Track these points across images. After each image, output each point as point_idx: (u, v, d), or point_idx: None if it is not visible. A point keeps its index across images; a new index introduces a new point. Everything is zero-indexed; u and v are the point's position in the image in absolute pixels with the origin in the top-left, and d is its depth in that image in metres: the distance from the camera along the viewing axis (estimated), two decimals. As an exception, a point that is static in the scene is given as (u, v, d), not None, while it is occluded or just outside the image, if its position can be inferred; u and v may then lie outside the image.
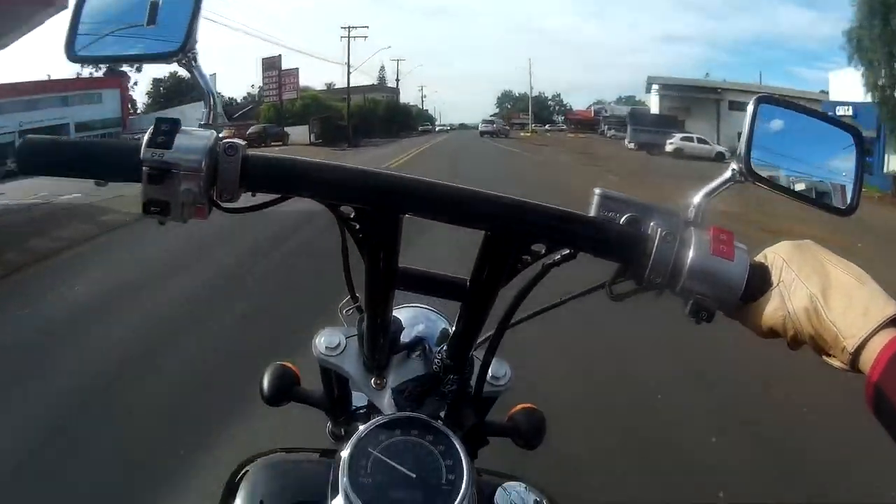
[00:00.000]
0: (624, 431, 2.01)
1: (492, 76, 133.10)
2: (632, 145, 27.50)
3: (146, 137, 0.40)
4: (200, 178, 0.40)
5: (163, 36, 0.45)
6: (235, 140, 0.41)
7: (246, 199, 0.42)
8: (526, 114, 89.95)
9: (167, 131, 0.40)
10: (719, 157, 23.25)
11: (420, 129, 56.33)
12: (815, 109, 0.49)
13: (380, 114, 41.98)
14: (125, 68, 24.45)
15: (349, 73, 30.24)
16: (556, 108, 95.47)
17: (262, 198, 0.43)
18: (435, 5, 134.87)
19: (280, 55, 33.00)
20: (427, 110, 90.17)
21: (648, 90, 41.55)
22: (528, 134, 45.63)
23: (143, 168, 0.39)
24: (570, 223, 0.43)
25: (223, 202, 0.42)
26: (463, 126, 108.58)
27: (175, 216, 0.41)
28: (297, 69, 32.85)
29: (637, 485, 1.71)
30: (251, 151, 0.41)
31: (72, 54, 0.46)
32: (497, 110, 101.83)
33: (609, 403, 2.23)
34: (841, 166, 0.48)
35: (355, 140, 28.45)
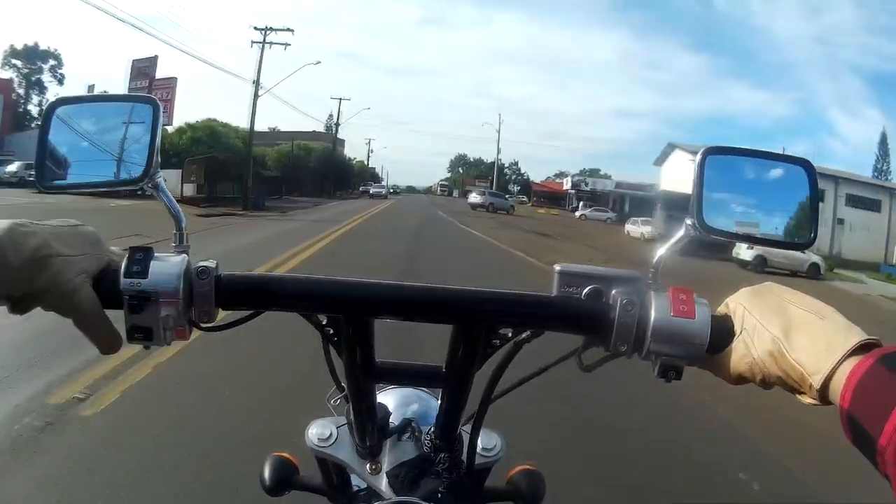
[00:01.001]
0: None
1: (446, 139, 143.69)
2: (647, 233, 22.56)
3: (123, 267, 0.44)
4: (179, 303, 0.44)
5: (127, 162, 0.51)
6: (207, 263, 0.46)
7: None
8: (482, 180, 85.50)
9: (141, 260, 0.45)
10: (814, 272, 18.12)
11: (361, 188, 54.25)
12: (762, 151, 0.53)
13: (311, 165, 37.62)
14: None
15: (256, 93, 20.82)
16: (514, 177, 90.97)
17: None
18: (400, 65, 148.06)
19: (156, 56, 24.23)
20: (373, 168, 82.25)
21: (662, 161, 36.62)
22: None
23: (125, 297, 0.44)
24: (532, 307, 0.48)
25: (202, 323, 0.47)
26: (411, 189, 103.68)
27: (158, 341, 0.45)
28: (174, 79, 24.01)
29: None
30: (223, 272, 0.47)
31: (44, 184, 0.51)
32: (449, 174, 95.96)
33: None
34: (795, 198, 0.53)
35: (262, 198, 20.87)
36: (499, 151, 55.24)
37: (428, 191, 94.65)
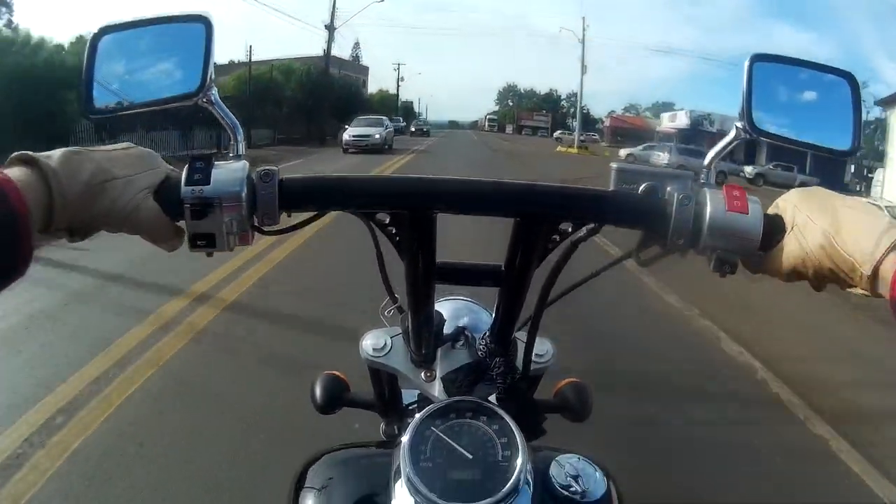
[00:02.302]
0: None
1: (489, 71, 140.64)
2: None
3: (184, 176, 0.49)
4: (242, 207, 0.49)
5: (180, 78, 0.56)
6: (270, 167, 0.51)
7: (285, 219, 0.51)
8: (539, 113, 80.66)
9: (202, 168, 0.50)
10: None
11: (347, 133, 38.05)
12: (808, 61, 0.58)
13: (289, 94, 26.77)
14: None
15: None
16: (572, 110, 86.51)
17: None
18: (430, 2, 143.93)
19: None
20: (408, 101, 78.76)
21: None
22: (574, 150, 33.08)
23: (186, 206, 0.49)
24: (592, 201, 0.54)
25: (264, 227, 0.52)
26: (454, 125, 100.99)
27: (221, 246, 0.50)
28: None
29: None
30: (287, 175, 0.52)
31: (91, 108, 0.56)
32: (497, 107, 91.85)
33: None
34: (839, 109, 0.58)
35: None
36: (583, 70, 35.58)
37: (474, 126, 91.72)
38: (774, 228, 0.51)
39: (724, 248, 0.50)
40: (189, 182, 0.49)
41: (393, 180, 0.54)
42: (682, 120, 39.03)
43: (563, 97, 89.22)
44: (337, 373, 0.73)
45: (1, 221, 0.41)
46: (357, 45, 58.05)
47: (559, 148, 34.63)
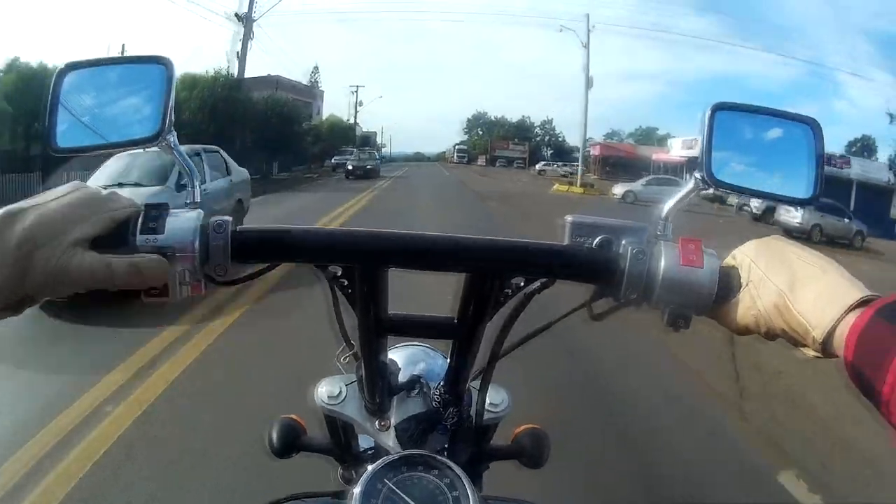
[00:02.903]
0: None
1: (455, 102, 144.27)
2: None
3: (139, 224, 0.51)
4: (194, 257, 0.52)
5: (139, 122, 0.59)
6: (223, 218, 0.53)
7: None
8: (516, 143, 79.21)
9: (156, 216, 0.52)
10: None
11: (334, 160, 35.90)
12: (770, 108, 0.61)
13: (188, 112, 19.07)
14: None
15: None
16: (548, 138, 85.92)
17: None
18: (403, 32, 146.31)
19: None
20: (370, 132, 76.62)
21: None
22: (578, 189, 28.15)
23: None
24: (544, 256, 0.57)
25: (217, 277, 0.54)
26: (420, 157, 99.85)
27: (173, 297, 0.52)
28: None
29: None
30: (240, 226, 0.54)
31: (54, 147, 0.58)
32: (466, 136, 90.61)
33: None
34: (801, 156, 0.61)
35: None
36: (589, 84, 30.85)
37: (441, 158, 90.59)
38: (730, 283, 0.53)
39: (677, 302, 0.53)
40: (144, 230, 0.51)
41: (343, 235, 0.57)
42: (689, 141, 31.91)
43: (535, 125, 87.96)
44: (294, 417, 0.76)
45: None
46: (316, 69, 55.55)
47: (556, 187, 29.04)
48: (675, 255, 0.53)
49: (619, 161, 45.43)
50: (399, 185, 24.22)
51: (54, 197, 0.50)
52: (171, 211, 0.53)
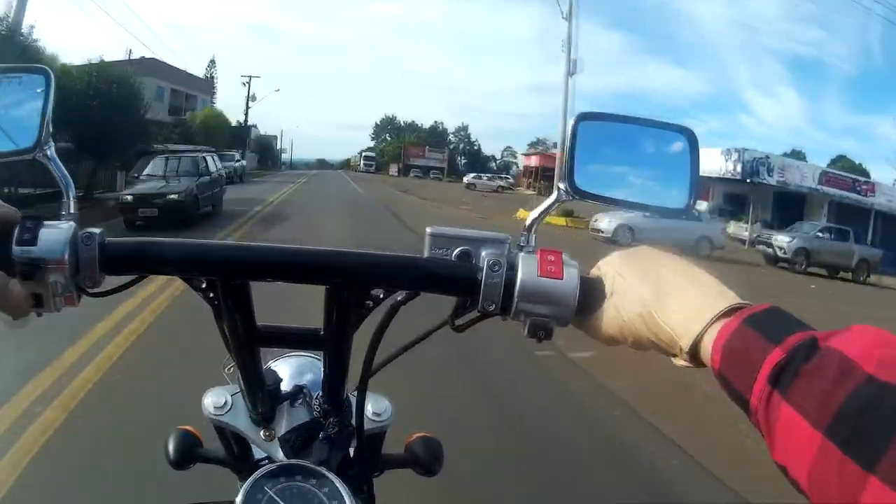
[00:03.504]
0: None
1: (361, 111, 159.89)
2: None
3: (14, 236, 0.54)
4: (65, 269, 0.54)
5: (15, 133, 0.62)
6: (92, 230, 0.57)
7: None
8: (434, 150, 74.85)
9: (31, 228, 0.55)
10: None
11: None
12: (639, 117, 0.63)
13: None
14: None
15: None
16: (463, 146, 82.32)
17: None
18: (307, 40, 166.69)
19: None
20: (270, 136, 69.93)
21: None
22: (562, 220, 19.42)
23: (17, 265, 0.54)
24: (400, 268, 0.59)
25: (89, 288, 0.57)
26: (323, 164, 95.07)
27: (48, 307, 0.56)
28: None
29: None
30: (109, 238, 0.58)
31: None
32: (373, 142, 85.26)
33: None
34: (676, 165, 0.63)
35: None
36: (571, 69, 23.34)
37: (346, 166, 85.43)
38: (593, 294, 0.55)
39: (536, 313, 0.55)
40: (19, 241, 0.54)
41: (205, 248, 0.60)
42: (721, 163, 25.30)
43: (450, 131, 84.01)
44: (189, 428, 0.78)
45: None
46: (213, 62, 48.97)
47: (519, 213, 21.04)
48: (533, 267, 0.55)
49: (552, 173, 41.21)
50: (285, 221, 14.28)
51: None
52: (46, 223, 0.56)
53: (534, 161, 51.79)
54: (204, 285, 0.61)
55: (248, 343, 0.65)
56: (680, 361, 0.50)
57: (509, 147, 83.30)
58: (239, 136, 45.30)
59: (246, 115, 51.53)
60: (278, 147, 75.65)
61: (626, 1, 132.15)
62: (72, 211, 0.60)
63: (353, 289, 0.61)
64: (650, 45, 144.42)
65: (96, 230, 0.57)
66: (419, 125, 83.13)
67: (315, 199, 21.92)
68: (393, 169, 68.43)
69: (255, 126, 57.95)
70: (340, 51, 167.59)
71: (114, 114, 15.47)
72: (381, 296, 0.61)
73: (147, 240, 0.59)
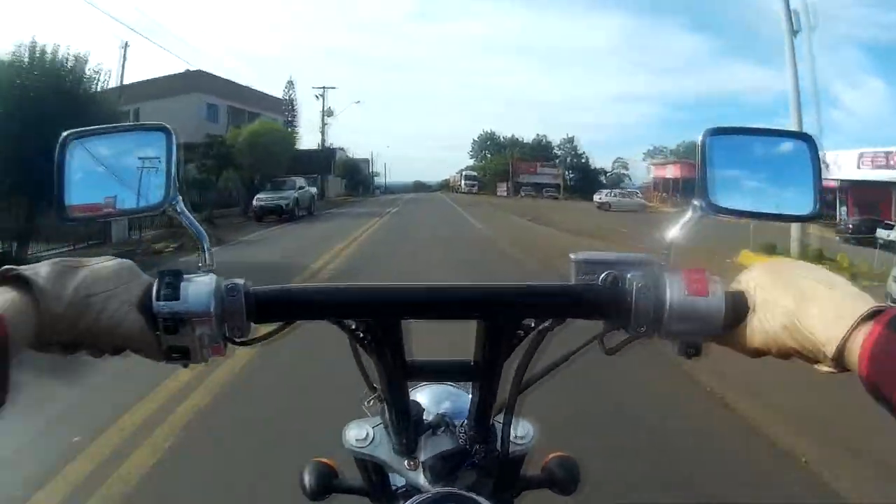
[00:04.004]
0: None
1: (455, 130, 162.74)
2: None
3: (154, 291, 0.57)
4: (212, 321, 0.57)
5: (146, 188, 0.66)
6: (236, 281, 0.60)
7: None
8: (546, 165, 64.98)
9: (171, 283, 0.57)
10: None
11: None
12: (763, 128, 0.67)
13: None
14: None
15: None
16: (570, 159, 71.25)
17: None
18: (389, 61, 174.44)
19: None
20: (360, 159, 63.16)
21: None
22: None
23: (159, 320, 0.57)
24: (551, 297, 0.64)
25: (236, 338, 0.61)
26: (421, 186, 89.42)
27: (195, 359, 0.58)
28: None
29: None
30: (254, 287, 0.62)
31: (64, 217, 0.66)
32: (472, 160, 76.11)
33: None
34: (799, 172, 0.65)
35: None
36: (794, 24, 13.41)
37: (444, 186, 77.81)
38: (737, 308, 0.57)
39: (686, 332, 0.58)
40: (160, 297, 0.57)
41: (357, 291, 0.63)
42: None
43: (554, 144, 73.73)
44: (325, 459, 0.83)
45: None
46: (291, 84, 42.47)
47: (742, 256, 12.59)
48: (680, 286, 0.58)
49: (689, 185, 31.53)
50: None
51: (99, 261, 0.59)
52: (185, 276, 0.59)
53: (670, 172, 45.31)
54: (353, 326, 0.65)
55: (400, 378, 0.70)
56: (824, 368, 0.52)
57: (620, 158, 72.66)
58: (317, 160, 40.77)
59: (322, 131, 46.30)
60: (370, 171, 69.51)
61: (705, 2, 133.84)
62: (208, 262, 0.63)
63: (507, 320, 0.65)
64: (730, 45, 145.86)
65: (240, 280, 0.60)
66: (520, 139, 74.14)
67: (406, 250, 13.16)
68: (501, 188, 63.93)
69: (341, 149, 51.59)
70: (426, 71, 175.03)
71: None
72: (533, 325, 0.65)
73: (296, 287, 0.63)
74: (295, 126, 42.32)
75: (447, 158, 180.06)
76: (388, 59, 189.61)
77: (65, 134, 0.66)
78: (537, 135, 73.46)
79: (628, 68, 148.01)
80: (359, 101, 53.45)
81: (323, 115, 45.34)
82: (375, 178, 78.31)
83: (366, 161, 70.29)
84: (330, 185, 43.78)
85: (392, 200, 44.06)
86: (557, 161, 70.33)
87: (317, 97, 45.66)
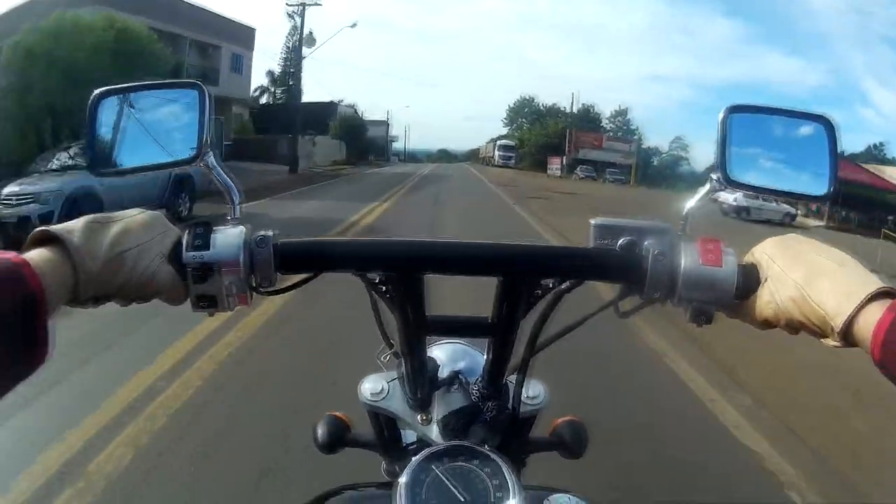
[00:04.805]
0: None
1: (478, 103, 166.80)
2: None
3: (185, 241, 0.67)
4: (240, 270, 0.66)
5: (177, 143, 0.75)
6: (265, 233, 0.69)
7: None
8: (620, 140, 60.67)
9: (202, 234, 0.66)
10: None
11: None
12: (783, 108, 0.75)
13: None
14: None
15: None
16: (620, 133, 68.69)
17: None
18: (424, 31, 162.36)
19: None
20: (362, 112, 60.39)
21: None
22: None
23: (188, 269, 0.66)
24: (572, 259, 0.73)
25: (262, 288, 0.70)
26: (445, 155, 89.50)
27: (222, 307, 0.68)
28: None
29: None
30: (282, 239, 0.71)
31: (96, 168, 0.77)
32: (506, 129, 73.94)
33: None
34: (816, 154, 0.74)
35: None
36: None
37: (475, 156, 76.15)
38: (749, 280, 0.66)
39: (699, 299, 0.66)
40: (190, 247, 0.66)
41: (383, 244, 0.73)
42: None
43: (603, 116, 69.93)
44: (339, 414, 0.93)
45: (19, 305, 0.53)
46: (310, 34, 38.36)
47: None
48: (695, 254, 0.66)
49: (860, 192, 26.99)
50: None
51: (129, 215, 0.67)
52: (215, 228, 0.68)
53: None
54: (377, 280, 0.75)
55: (418, 332, 0.79)
56: (830, 342, 0.59)
57: (679, 138, 68.30)
58: (312, 114, 36.90)
59: (295, 65, 37.28)
60: (387, 134, 67.76)
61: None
62: (237, 215, 0.72)
63: (527, 279, 0.74)
64: (766, 34, 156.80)
65: (269, 232, 0.69)
66: (561, 108, 69.25)
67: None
68: (554, 164, 56.08)
69: (350, 106, 48.51)
70: (456, 42, 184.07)
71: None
72: (551, 285, 0.74)
73: (324, 239, 0.73)
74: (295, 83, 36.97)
75: (475, 129, 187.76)
76: (418, 29, 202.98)
77: (96, 92, 0.77)
78: (583, 104, 67.54)
79: (662, 49, 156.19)
80: (354, 25, 36.24)
81: (300, 42, 35.04)
82: (393, 144, 75.96)
83: (382, 123, 67.19)
84: (318, 149, 39.10)
85: (402, 176, 34.98)
86: (607, 132, 65.69)
87: (290, 15, 36.88)
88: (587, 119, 67.20)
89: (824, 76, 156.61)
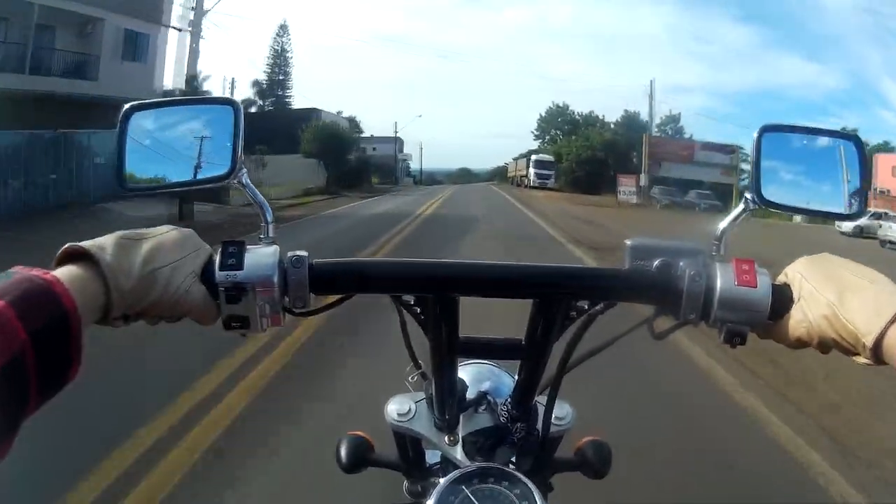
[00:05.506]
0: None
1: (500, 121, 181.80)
2: None
3: (217, 261, 0.71)
4: (274, 291, 0.71)
5: (210, 159, 0.81)
6: (300, 253, 0.75)
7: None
8: (717, 149, 45.64)
9: (235, 253, 0.71)
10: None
11: None
12: (814, 127, 0.84)
13: None
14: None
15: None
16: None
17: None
18: (441, 50, 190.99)
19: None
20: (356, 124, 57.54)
21: None
22: None
23: (220, 290, 0.71)
24: (607, 280, 0.80)
25: (295, 309, 0.76)
26: (466, 174, 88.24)
27: (254, 328, 0.73)
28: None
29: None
30: (317, 259, 0.77)
31: (125, 185, 0.81)
32: (537, 142, 70.56)
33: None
34: (846, 172, 0.83)
35: None
36: None
37: (497, 176, 74.15)
38: (782, 299, 0.73)
39: (734, 320, 0.72)
40: (223, 267, 0.71)
41: (416, 266, 0.78)
42: None
43: (653, 125, 60.73)
44: (361, 433, 1.01)
45: (53, 324, 0.56)
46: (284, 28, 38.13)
47: None
48: (730, 276, 0.73)
49: None
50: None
51: (161, 231, 0.73)
52: (248, 247, 0.73)
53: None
54: (412, 301, 0.81)
55: (450, 354, 0.86)
56: (862, 360, 0.65)
57: (730, 146, 59.09)
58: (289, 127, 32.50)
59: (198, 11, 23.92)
60: (395, 152, 65.74)
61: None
62: (270, 235, 0.78)
63: (563, 301, 0.80)
64: (781, 38, 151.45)
65: (303, 252, 0.75)
66: (599, 117, 64.79)
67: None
68: (626, 184, 47.09)
69: (344, 115, 47.00)
70: (475, 58, 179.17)
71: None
72: (587, 307, 0.81)
73: (360, 260, 0.78)
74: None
75: (497, 146, 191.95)
76: (436, 46, 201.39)
77: (127, 106, 0.82)
78: (625, 111, 61.07)
79: (677, 59, 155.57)
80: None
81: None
82: (407, 163, 74.69)
83: (390, 140, 65.09)
84: (285, 172, 30.69)
85: (380, 224, 20.72)
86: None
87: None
88: (633, 128, 62.38)
89: (838, 79, 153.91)
